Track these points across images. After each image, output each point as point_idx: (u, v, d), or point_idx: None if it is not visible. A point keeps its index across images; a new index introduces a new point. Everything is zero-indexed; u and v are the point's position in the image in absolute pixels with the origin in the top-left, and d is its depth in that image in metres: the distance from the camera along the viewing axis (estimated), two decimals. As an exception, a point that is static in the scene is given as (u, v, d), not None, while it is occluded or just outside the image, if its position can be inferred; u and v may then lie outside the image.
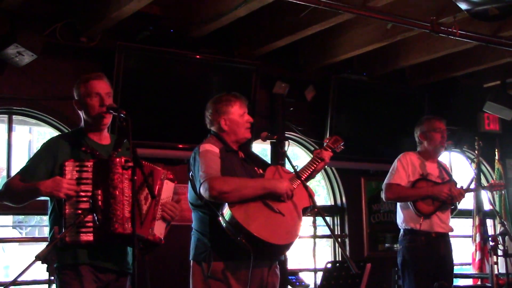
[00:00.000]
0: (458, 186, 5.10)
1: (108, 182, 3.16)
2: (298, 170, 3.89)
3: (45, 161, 3.31)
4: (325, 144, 4.17)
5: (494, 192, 7.91)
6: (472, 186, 5.36)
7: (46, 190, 3.15)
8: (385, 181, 5.14)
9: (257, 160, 4.05)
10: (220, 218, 3.58)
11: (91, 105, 3.36)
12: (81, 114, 3.45)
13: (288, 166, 3.92)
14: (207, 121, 3.95)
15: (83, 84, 3.40)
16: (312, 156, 4.06)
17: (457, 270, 5.35)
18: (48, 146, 3.40)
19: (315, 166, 4.04)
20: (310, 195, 3.75)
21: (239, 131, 3.88)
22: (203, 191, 3.55)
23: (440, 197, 4.97)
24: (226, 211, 3.55)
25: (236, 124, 3.87)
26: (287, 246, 3.66)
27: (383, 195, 5.15)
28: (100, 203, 3.13)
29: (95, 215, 3.09)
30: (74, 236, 3.11)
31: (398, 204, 5.17)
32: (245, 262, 3.55)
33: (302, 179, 3.82)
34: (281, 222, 3.63)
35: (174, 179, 3.50)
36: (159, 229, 3.33)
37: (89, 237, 3.13)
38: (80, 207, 3.14)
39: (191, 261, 3.75)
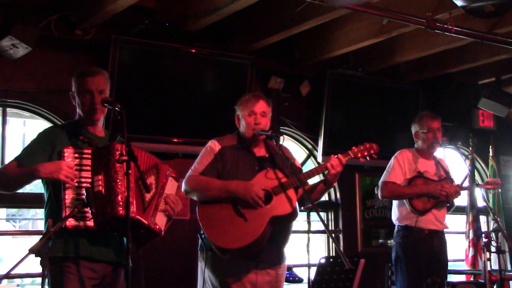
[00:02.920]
0: (455, 183, 5.11)
1: (109, 166, 3.13)
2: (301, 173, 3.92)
3: (42, 148, 3.29)
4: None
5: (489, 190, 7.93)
6: (466, 184, 5.37)
7: (45, 171, 3.10)
8: (381, 179, 5.14)
9: (283, 161, 3.91)
10: None
11: (83, 102, 3.37)
12: (76, 107, 3.45)
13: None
14: None
15: (77, 79, 3.41)
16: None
17: (450, 266, 5.36)
18: (45, 134, 3.41)
19: (316, 172, 4.04)
20: (295, 202, 3.76)
21: (246, 130, 3.90)
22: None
23: (435, 195, 4.97)
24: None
25: (242, 123, 3.92)
26: (235, 250, 3.65)
27: (378, 193, 5.15)
28: (101, 188, 3.10)
29: (89, 208, 3.05)
30: (74, 221, 3.06)
31: (394, 200, 5.18)
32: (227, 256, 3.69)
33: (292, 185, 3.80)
34: (239, 226, 3.66)
35: (178, 179, 3.49)
36: (160, 221, 3.31)
37: (90, 222, 3.09)
38: (79, 193, 3.11)
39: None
